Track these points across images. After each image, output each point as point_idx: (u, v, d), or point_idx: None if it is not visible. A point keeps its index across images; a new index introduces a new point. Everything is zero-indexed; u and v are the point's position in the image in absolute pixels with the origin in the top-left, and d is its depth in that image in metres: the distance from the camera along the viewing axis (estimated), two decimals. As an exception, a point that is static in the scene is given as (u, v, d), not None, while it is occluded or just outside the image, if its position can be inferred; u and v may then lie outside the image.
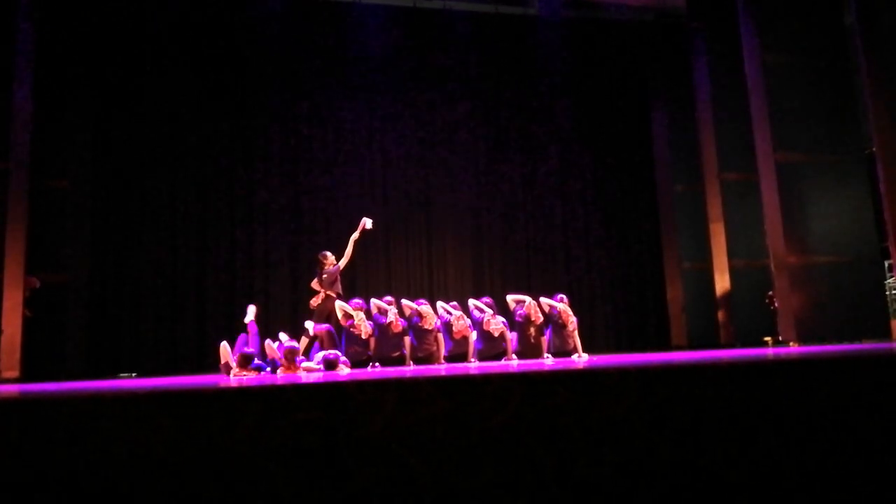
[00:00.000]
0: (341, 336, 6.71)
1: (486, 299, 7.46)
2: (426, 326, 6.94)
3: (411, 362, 6.82)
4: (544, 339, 7.14)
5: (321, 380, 2.68)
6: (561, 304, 7.19)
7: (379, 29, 10.94)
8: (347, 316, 6.78)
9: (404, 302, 7.19)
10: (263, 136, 10.41)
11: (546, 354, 7.05)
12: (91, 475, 2.02)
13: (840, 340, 7.92)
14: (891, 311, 9.40)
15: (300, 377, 4.67)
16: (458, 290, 10.25)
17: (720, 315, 10.35)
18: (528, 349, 7.05)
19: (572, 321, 7.13)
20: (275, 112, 10.54)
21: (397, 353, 6.81)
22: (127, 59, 9.91)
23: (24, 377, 7.76)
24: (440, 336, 7.04)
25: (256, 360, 5.81)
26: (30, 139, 8.28)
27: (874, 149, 8.11)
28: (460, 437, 2.19)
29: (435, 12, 11.21)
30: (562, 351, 7.03)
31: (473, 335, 7.08)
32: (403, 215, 10.79)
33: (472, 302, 7.41)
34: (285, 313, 9.73)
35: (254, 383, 2.65)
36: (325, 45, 10.72)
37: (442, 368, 5.40)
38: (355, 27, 10.86)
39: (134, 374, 8.83)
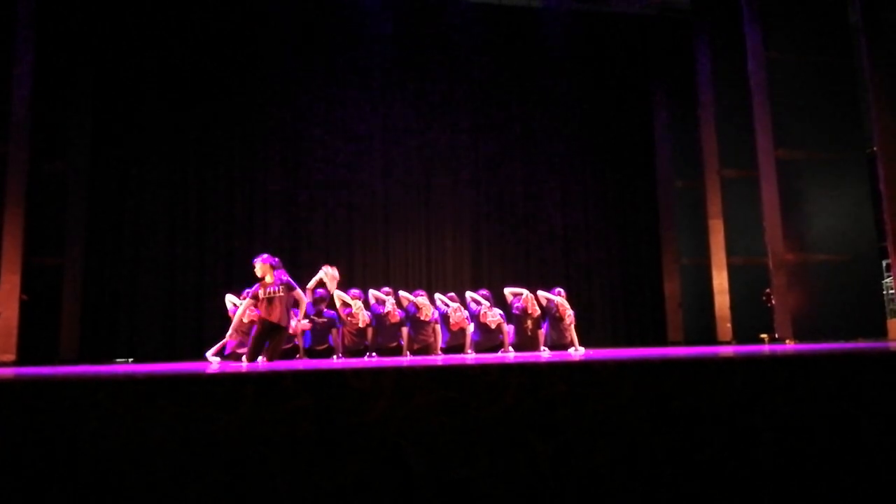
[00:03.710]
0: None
1: (484, 291, 7.47)
2: (423, 318, 6.96)
3: (408, 353, 6.83)
4: (541, 332, 7.16)
5: (318, 367, 2.68)
6: (558, 298, 7.19)
7: (379, 21, 10.87)
8: (345, 305, 6.79)
9: (402, 293, 7.19)
10: (263, 122, 10.36)
11: (543, 347, 7.07)
12: (86, 459, 2.02)
13: (836, 339, 7.94)
14: (887, 310, 9.43)
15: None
16: (456, 282, 10.24)
17: (717, 311, 10.36)
18: (525, 342, 7.07)
19: (569, 315, 7.13)
20: (274, 98, 10.47)
21: (394, 344, 6.82)
22: (126, 41, 9.86)
23: (21, 361, 7.77)
24: (437, 327, 7.06)
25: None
26: (29, 121, 8.26)
27: (875, 148, 8.11)
28: (457, 428, 2.19)
29: (437, 3, 11.15)
30: (558, 344, 7.04)
31: (471, 327, 7.09)
32: (403, 208, 10.76)
33: (469, 294, 7.42)
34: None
35: (251, 370, 2.65)
36: (326, 36, 10.66)
37: (439, 359, 5.42)
38: (356, 20, 10.79)
39: (130, 360, 8.84)
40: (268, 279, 5.63)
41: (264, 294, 5.58)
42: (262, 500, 2.04)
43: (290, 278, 5.71)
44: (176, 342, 9.48)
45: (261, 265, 5.68)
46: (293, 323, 5.85)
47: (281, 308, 5.57)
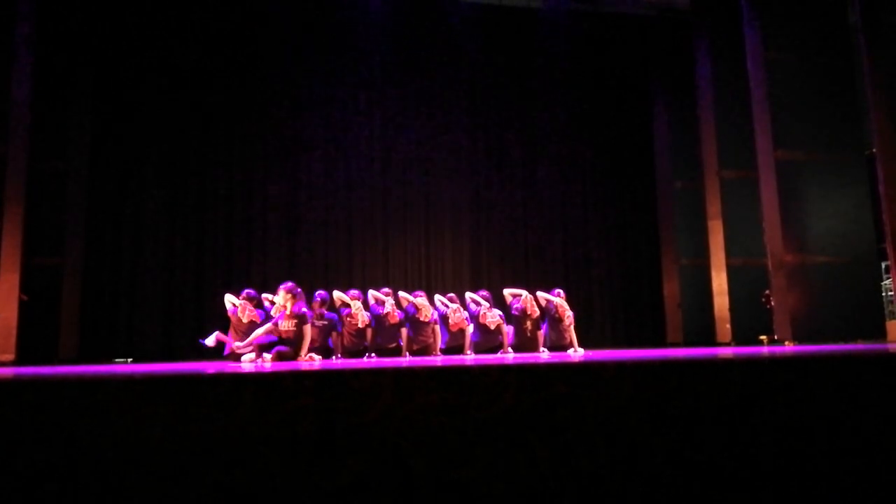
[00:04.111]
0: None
1: (483, 292, 7.46)
2: (422, 318, 6.95)
3: (407, 353, 6.83)
4: (541, 333, 7.15)
5: (318, 368, 2.68)
6: (558, 299, 7.19)
7: (379, 21, 10.87)
8: (345, 305, 6.79)
9: (401, 294, 7.19)
10: (263, 122, 10.36)
11: (542, 348, 7.06)
12: (85, 459, 2.02)
13: (836, 340, 7.94)
14: (886, 312, 9.43)
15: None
16: (455, 283, 10.24)
17: (716, 312, 10.36)
18: (525, 343, 7.06)
19: (569, 315, 7.13)
20: (274, 98, 10.48)
21: (394, 345, 6.81)
22: (126, 41, 9.86)
23: (20, 361, 7.77)
24: (437, 328, 7.05)
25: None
26: (29, 121, 8.26)
27: (874, 149, 8.12)
28: (456, 428, 2.19)
29: (437, 3, 11.15)
30: (558, 345, 7.04)
31: (470, 328, 7.08)
32: (402, 208, 10.77)
33: (468, 295, 7.41)
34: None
35: (251, 370, 2.65)
36: (326, 36, 10.66)
37: (438, 360, 5.41)
38: (356, 20, 10.78)
39: (129, 360, 8.83)
40: (288, 309, 5.95)
41: (282, 327, 5.94)
42: (262, 500, 2.04)
43: (306, 310, 6.03)
44: (175, 342, 9.48)
45: (283, 294, 5.99)
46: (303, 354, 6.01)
47: (294, 341, 5.94)
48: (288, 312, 5.95)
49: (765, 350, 5.20)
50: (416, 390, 2.21)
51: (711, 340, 10.29)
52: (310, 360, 5.73)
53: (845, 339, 7.96)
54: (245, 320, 6.43)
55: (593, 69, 11.70)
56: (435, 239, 10.83)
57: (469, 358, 6.05)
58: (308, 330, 6.00)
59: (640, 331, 11.27)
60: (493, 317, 7.07)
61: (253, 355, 5.95)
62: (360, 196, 10.59)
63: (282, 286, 6.12)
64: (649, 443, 2.30)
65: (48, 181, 8.76)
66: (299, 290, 6.12)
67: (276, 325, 5.97)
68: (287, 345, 5.93)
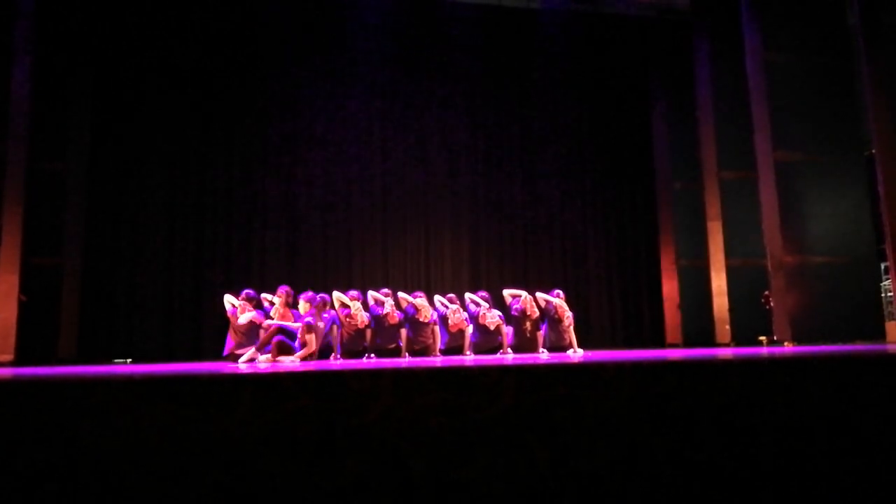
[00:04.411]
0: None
1: (483, 293, 7.47)
2: (422, 319, 6.95)
3: (407, 354, 6.83)
4: (540, 334, 7.16)
5: (318, 368, 2.68)
6: (557, 300, 7.20)
7: (379, 22, 10.87)
8: (344, 306, 6.79)
9: (401, 295, 7.19)
10: (262, 122, 10.35)
11: (541, 349, 7.07)
12: (85, 460, 2.02)
13: (835, 341, 7.95)
14: (886, 312, 9.44)
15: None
16: (455, 284, 10.23)
17: (715, 313, 10.36)
18: (524, 343, 7.07)
19: (568, 316, 7.14)
20: (274, 98, 10.47)
21: (393, 345, 6.81)
22: (126, 41, 9.84)
23: (19, 361, 7.77)
24: (436, 329, 7.06)
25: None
26: (28, 121, 8.26)
27: (873, 150, 8.12)
28: (455, 428, 2.19)
29: (436, 4, 11.15)
30: (557, 346, 7.04)
31: (469, 328, 7.09)
32: (401, 208, 10.76)
33: (468, 295, 7.42)
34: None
35: (250, 371, 2.65)
36: (326, 36, 10.66)
37: (437, 360, 5.40)
38: (356, 20, 10.78)
39: (129, 361, 8.82)
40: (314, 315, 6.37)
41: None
42: (262, 500, 2.04)
43: (313, 318, 6.31)
44: (174, 343, 9.46)
45: (303, 303, 6.46)
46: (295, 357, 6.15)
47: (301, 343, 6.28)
48: (316, 317, 6.29)
49: (764, 351, 5.21)
50: (416, 391, 2.21)
51: (711, 341, 10.29)
52: (282, 362, 5.80)
53: (845, 340, 7.96)
54: (245, 321, 6.45)
55: (593, 69, 11.70)
56: (435, 239, 10.82)
57: (468, 359, 6.05)
58: (312, 339, 6.15)
59: (639, 331, 11.27)
60: (492, 317, 7.07)
61: (252, 352, 5.98)
62: (360, 196, 10.58)
63: (301, 295, 6.51)
64: (649, 443, 2.30)
65: (48, 181, 8.74)
66: (318, 298, 6.50)
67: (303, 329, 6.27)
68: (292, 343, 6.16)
